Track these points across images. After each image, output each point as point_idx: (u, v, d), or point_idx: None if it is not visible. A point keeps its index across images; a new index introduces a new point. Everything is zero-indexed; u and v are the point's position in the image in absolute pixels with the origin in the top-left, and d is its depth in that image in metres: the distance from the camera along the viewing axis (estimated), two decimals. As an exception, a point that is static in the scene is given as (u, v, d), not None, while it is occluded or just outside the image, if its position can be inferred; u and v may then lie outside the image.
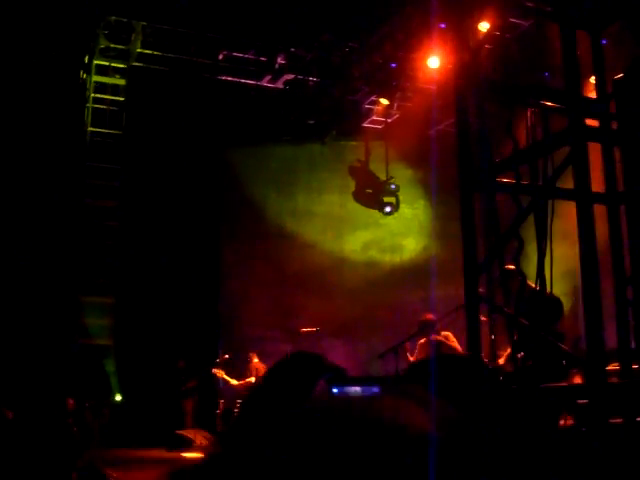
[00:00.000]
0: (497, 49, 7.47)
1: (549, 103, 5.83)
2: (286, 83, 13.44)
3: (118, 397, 12.56)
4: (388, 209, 13.65)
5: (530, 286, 6.70)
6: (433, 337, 9.54)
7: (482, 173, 6.07)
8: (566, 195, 5.81)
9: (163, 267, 13.81)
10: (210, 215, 14.46)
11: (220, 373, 12.50)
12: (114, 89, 13.50)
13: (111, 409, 12.45)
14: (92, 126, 13.36)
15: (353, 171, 13.78)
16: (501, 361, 6.66)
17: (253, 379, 12.49)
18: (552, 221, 5.92)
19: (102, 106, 13.46)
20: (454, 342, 9.55)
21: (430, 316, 9.84)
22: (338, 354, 13.37)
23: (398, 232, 14.76)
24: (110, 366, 12.69)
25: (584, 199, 5.46)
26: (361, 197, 13.82)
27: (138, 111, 13.56)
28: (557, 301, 6.62)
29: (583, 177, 5.42)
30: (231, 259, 14.46)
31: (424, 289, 14.33)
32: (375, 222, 14.46)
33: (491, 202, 6.09)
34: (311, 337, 12.27)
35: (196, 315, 13.92)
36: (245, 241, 14.44)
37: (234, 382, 12.51)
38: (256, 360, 12.66)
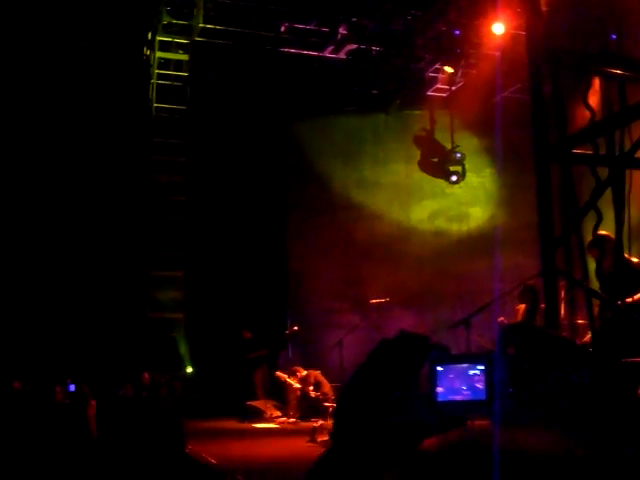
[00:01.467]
0: (568, 12, 7.29)
1: (622, 72, 5.71)
2: (349, 53, 13.38)
3: (189, 369, 12.80)
4: (454, 178, 13.53)
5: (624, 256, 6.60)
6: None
7: (558, 144, 5.99)
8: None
9: (231, 240, 13.97)
10: (277, 187, 14.56)
11: (283, 377, 12.53)
12: (177, 65, 13.63)
13: (183, 381, 12.69)
14: (157, 102, 13.53)
15: (418, 140, 13.65)
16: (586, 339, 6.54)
17: (311, 387, 12.40)
18: (629, 192, 5.84)
19: (166, 82, 13.60)
20: None
21: (533, 282, 9.62)
22: (407, 324, 13.36)
23: (465, 201, 14.64)
24: (181, 339, 12.94)
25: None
26: (427, 166, 13.71)
27: (202, 86, 13.68)
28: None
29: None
30: (298, 231, 14.54)
31: (492, 258, 14.22)
32: (441, 191, 14.36)
33: (567, 174, 6.00)
34: (381, 307, 12.31)
35: (264, 287, 14.06)
36: (312, 213, 14.49)
37: (297, 385, 12.50)
38: (305, 372, 12.59)
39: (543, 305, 9.25)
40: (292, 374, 12.66)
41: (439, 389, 4.08)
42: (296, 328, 13.07)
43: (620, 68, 5.91)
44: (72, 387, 8.88)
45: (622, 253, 6.09)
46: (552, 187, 6.02)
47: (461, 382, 4.03)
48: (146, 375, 11.54)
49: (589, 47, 6.31)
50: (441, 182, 13.84)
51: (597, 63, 6.04)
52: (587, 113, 6.11)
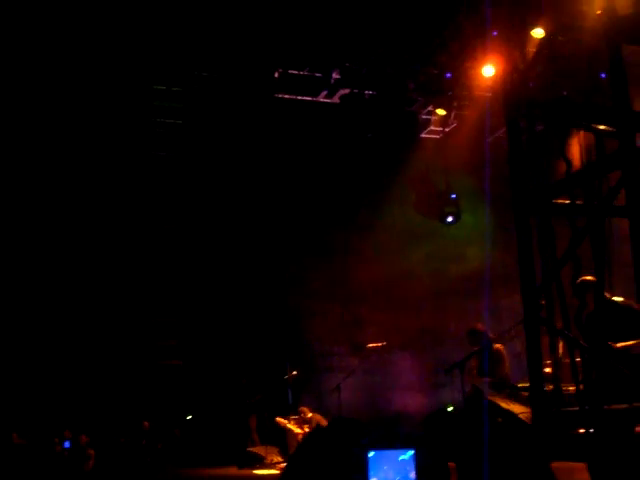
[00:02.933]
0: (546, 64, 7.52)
1: (601, 126, 5.89)
2: (342, 98, 13.61)
3: (188, 416, 12.92)
4: (450, 219, 13.72)
5: (609, 298, 6.78)
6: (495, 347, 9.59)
7: (536, 196, 6.16)
8: (622, 213, 5.85)
9: (230, 285, 14.14)
10: (276, 232, 14.73)
11: (283, 422, 12.64)
12: (174, 112, 13.87)
13: (182, 428, 12.80)
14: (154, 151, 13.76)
15: (413, 182, 13.88)
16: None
17: None
18: (610, 241, 6.00)
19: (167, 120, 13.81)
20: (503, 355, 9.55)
21: (480, 326, 9.90)
22: (406, 366, 13.54)
23: (461, 241, 14.78)
24: (180, 386, 13.08)
25: (637, 218, 5.51)
26: (422, 208, 13.92)
27: (198, 131, 13.92)
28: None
29: (636, 198, 5.47)
30: (297, 275, 14.68)
31: (490, 298, 14.39)
32: (438, 232, 14.53)
33: (547, 225, 6.16)
34: (378, 351, 12.42)
35: (263, 332, 14.21)
36: (310, 257, 14.64)
37: (298, 431, 12.59)
38: (310, 415, 12.72)
39: (497, 345, 9.51)
40: (298, 414, 12.76)
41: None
42: (295, 373, 13.17)
43: (597, 120, 6.08)
44: (67, 444, 9.01)
45: (603, 299, 6.25)
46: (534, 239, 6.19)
47: (394, 472, 4.17)
48: (146, 423, 11.67)
49: (568, 98, 6.50)
50: (437, 223, 14.02)
51: (573, 116, 6.23)
52: (575, 161, 6.31)
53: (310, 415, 12.60)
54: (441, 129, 14.32)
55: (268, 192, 14.52)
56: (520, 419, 6.79)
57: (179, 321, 13.69)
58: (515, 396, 7.87)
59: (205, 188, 14.18)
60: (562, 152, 6.16)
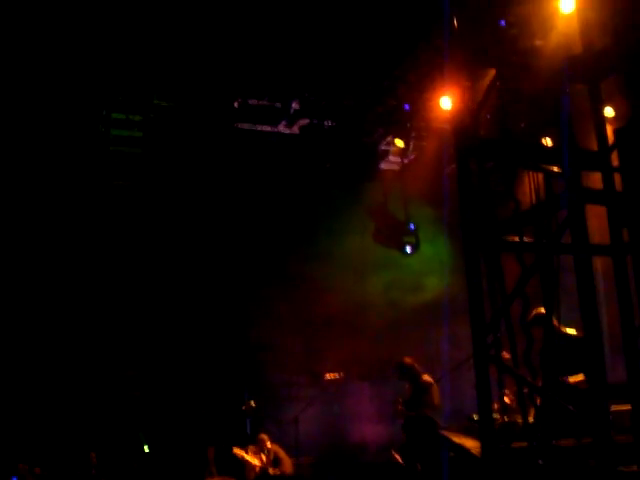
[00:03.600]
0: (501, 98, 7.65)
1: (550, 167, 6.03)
2: (302, 128, 13.72)
3: (146, 449, 12.80)
4: (409, 249, 13.82)
5: (562, 331, 6.93)
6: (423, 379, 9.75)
7: (486, 233, 6.28)
8: (568, 250, 5.98)
9: (186, 316, 14.09)
10: (233, 261, 14.71)
11: (240, 453, 12.59)
12: (132, 141, 13.83)
13: (140, 461, 12.69)
14: (113, 180, 13.71)
15: (372, 212, 13.97)
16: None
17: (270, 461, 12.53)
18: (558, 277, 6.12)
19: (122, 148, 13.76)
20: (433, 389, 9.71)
21: (407, 359, 10.07)
22: (364, 397, 13.55)
23: (420, 271, 14.86)
24: (138, 418, 12.98)
25: (583, 255, 5.64)
26: (381, 238, 14.00)
27: (156, 161, 13.90)
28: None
29: (581, 236, 5.61)
30: (256, 306, 14.67)
31: (449, 327, 14.48)
32: (396, 262, 14.60)
33: (495, 262, 6.28)
34: (336, 382, 12.45)
35: (222, 362, 14.16)
36: (269, 287, 14.65)
37: (255, 462, 12.55)
38: (269, 445, 12.70)
39: (425, 377, 9.67)
40: (257, 443, 12.71)
41: None
42: (252, 403, 13.14)
43: (544, 161, 6.23)
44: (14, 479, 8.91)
45: (554, 333, 6.38)
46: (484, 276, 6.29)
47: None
48: (92, 454, 11.59)
49: (518, 139, 6.64)
50: (396, 253, 14.11)
51: (521, 156, 6.37)
52: (525, 198, 6.44)
53: (269, 445, 12.56)
54: (400, 160, 14.45)
55: (227, 222, 14.52)
56: (471, 454, 6.87)
57: (137, 352, 13.58)
58: (467, 430, 7.98)
59: (164, 217, 14.16)
60: (510, 191, 6.30)
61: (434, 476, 8.26)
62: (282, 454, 12.46)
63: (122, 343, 13.47)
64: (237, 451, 12.65)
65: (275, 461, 12.38)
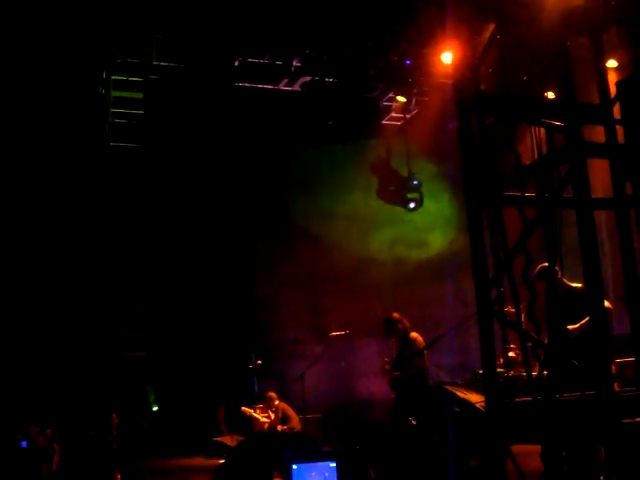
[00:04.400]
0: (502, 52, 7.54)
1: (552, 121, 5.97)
2: (303, 85, 13.61)
3: (155, 407, 12.91)
4: (412, 205, 13.75)
5: (566, 284, 6.93)
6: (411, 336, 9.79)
7: (487, 188, 6.24)
8: (570, 204, 5.94)
9: (193, 274, 14.13)
10: (238, 217, 14.71)
11: (249, 411, 12.71)
12: (133, 103, 13.76)
13: (149, 420, 12.81)
14: (114, 141, 13.67)
15: (375, 169, 13.88)
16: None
17: (278, 419, 12.65)
18: (561, 231, 6.10)
19: (122, 120, 13.74)
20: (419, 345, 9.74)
21: (395, 315, 10.09)
22: (370, 353, 13.63)
23: (423, 227, 14.90)
24: (145, 377, 13.06)
25: (584, 208, 5.61)
26: (384, 195, 13.93)
27: (158, 123, 13.85)
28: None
29: (583, 190, 5.57)
30: (263, 264, 14.73)
31: (454, 283, 14.56)
32: (400, 219, 14.60)
33: (497, 216, 6.24)
34: (342, 339, 12.50)
35: (229, 321, 14.25)
36: (277, 244, 14.71)
37: (264, 419, 12.69)
38: (277, 402, 12.83)
39: (412, 334, 9.70)
40: (265, 401, 12.86)
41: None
42: (260, 362, 13.22)
43: (545, 115, 6.16)
44: (24, 444, 8.97)
45: (557, 288, 6.37)
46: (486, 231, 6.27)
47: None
48: (114, 415, 11.68)
49: (518, 93, 6.54)
50: (399, 209, 14.07)
51: (522, 110, 6.31)
52: (526, 153, 6.38)
53: (277, 402, 12.70)
54: (402, 116, 14.36)
55: (231, 179, 14.51)
56: (476, 408, 6.91)
57: (144, 312, 13.62)
58: (472, 385, 8.01)
59: (168, 176, 14.15)
60: (511, 146, 6.24)
61: (430, 430, 8.32)
62: (290, 411, 12.58)
63: (130, 304, 13.51)
64: (245, 409, 12.78)
65: (283, 418, 12.51)
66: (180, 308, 13.86)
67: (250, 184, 14.72)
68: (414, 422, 8.73)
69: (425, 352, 9.54)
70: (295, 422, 12.46)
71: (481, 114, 6.32)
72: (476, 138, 6.49)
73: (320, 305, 14.60)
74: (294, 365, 13.45)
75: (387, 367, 9.85)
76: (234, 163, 14.49)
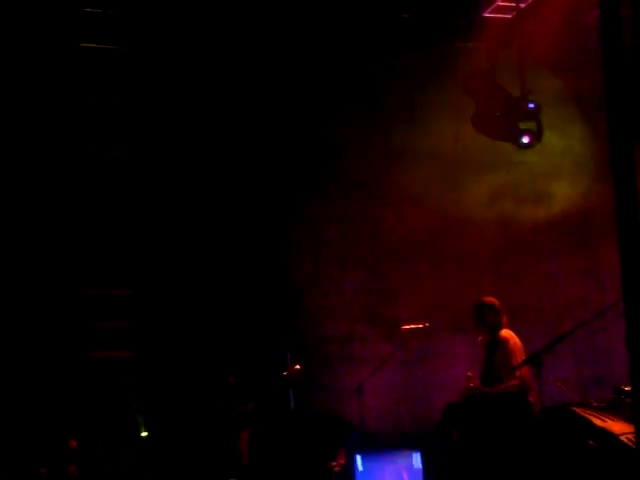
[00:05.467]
0: None
1: None
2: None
3: (144, 433, 13.02)
4: (526, 140, 13.62)
5: None
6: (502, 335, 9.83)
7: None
8: None
9: (202, 239, 14.17)
10: (269, 165, 14.65)
11: None
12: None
13: (134, 449, 12.92)
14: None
15: (472, 86, 13.77)
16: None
17: None
18: None
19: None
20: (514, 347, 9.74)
21: (490, 300, 10.08)
22: (462, 356, 13.55)
23: (543, 173, 14.75)
24: (131, 388, 13.17)
25: None
26: (485, 124, 13.83)
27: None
28: None
29: None
30: (303, 227, 14.64)
31: (588, 256, 14.41)
32: (508, 160, 14.48)
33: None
34: (418, 335, 12.47)
35: (254, 309, 14.23)
36: (323, 200, 14.59)
37: None
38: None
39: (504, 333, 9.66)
40: None
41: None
42: (298, 367, 13.23)
43: None
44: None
45: None
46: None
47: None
48: (73, 442, 11.83)
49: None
50: (507, 146, 13.93)
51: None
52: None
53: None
54: (514, 4, 14.13)
55: (256, 103, 14.48)
56: (621, 442, 6.87)
57: (129, 292, 13.74)
58: (615, 408, 7.96)
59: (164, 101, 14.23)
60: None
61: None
62: None
63: (110, 281, 13.64)
64: None
65: None
66: (182, 288, 13.86)
67: (286, 113, 14.61)
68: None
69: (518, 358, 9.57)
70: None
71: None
72: (627, 38, 6.36)
73: (388, 286, 14.49)
74: (348, 372, 13.49)
75: (472, 385, 9.89)
76: (272, 80, 14.40)
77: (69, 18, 13.24)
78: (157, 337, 13.72)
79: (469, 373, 10.00)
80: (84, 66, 13.57)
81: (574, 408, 7.27)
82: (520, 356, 9.67)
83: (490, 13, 14.39)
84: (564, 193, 14.72)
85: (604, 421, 7.04)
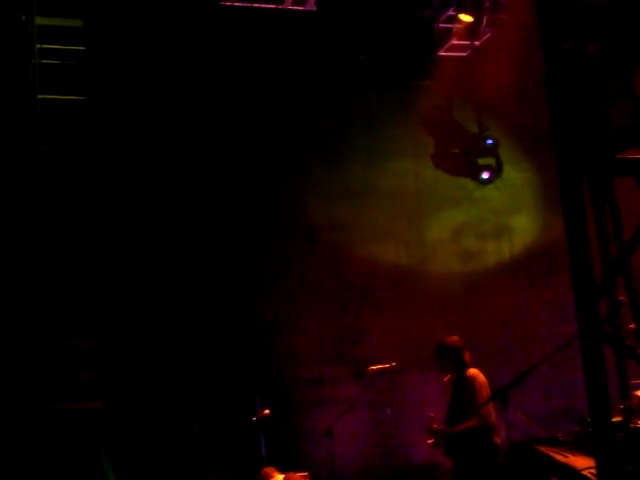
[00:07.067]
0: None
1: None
2: (319, 2, 13.50)
3: (113, 484, 12.90)
4: (486, 175, 13.70)
5: None
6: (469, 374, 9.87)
7: (591, 150, 6.15)
8: None
9: (168, 284, 14.09)
10: (236, 207, 14.58)
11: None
12: (69, 35, 13.73)
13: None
14: (42, 92, 13.62)
15: (430, 124, 13.82)
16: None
17: None
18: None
19: (54, 61, 13.67)
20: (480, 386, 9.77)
21: (452, 340, 10.14)
22: (431, 394, 13.52)
23: (504, 208, 14.78)
24: (100, 441, 13.05)
25: None
26: (445, 161, 13.88)
27: (108, 64, 13.84)
28: None
29: None
30: (269, 268, 14.60)
31: (551, 288, 14.44)
32: (468, 196, 14.52)
33: (607, 192, 6.16)
34: (386, 375, 12.43)
35: (221, 353, 14.16)
36: (282, 240, 14.56)
37: None
38: (281, 477, 12.75)
39: (471, 371, 9.72)
40: None
41: None
42: (267, 412, 13.17)
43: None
44: None
45: None
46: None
47: None
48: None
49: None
50: (467, 182, 13.97)
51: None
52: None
53: (281, 478, 12.66)
54: (468, 42, 14.21)
55: (219, 146, 14.42)
56: (584, 476, 6.85)
57: (94, 343, 13.63)
58: (580, 441, 7.95)
59: (123, 143, 14.15)
60: (628, 86, 6.14)
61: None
62: None
63: (78, 332, 13.53)
64: None
65: None
66: (148, 335, 13.78)
67: (247, 154, 14.57)
68: None
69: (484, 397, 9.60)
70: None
71: (581, 37, 6.24)
72: (573, 74, 6.41)
73: (354, 326, 14.46)
74: (317, 415, 13.40)
75: (435, 426, 9.89)
76: (223, 124, 14.38)
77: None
78: (124, 386, 13.62)
79: (431, 414, 9.97)
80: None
81: (536, 445, 7.25)
82: (485, 395, 9.68)
83: (445, 52, 14.53)
84: (526, 227, 14.79)
85: (566, 457, 7.03)
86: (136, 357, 13.72)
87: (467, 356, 10.07)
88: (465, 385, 9.80)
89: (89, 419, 13.03)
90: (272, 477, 12.62)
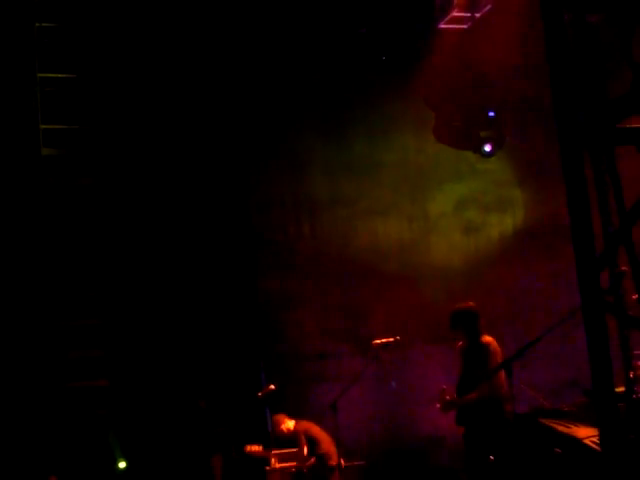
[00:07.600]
0: None
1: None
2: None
3: (122, 464, 12.91)
4: (488, 148, 13.64)
5: None
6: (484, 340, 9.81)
7: (592, 120, 6.12)
8: None
9: (171, 262, 14.08)
10: (238, 182, 14.58)
11: (257, 450, 12.65)
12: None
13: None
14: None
15: (430, 98, 13.77)
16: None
17: (305, 450, 12.61)
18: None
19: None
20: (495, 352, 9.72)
21: (467, 305, 10.07)
22: (434, 368, 13.53)
23: (507, 180, 14.73)
24: (107, 418, 13.07)
25: None
26: (446, 134, 13.84)
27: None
28: None
29: None
30: (272, 244, 14.59)
31: (556, 260, 14.39)
32: (471, 169, 14.48)
33: (609, 162, 6.13)
34: (391, 348, 12.43)
35: (225, 329, 14.16)
36: (288, 216, 14.55)
37: (278, 465, 12.62)
38: (291, 423, 12.84)
39: (486, 338, 9.67)
40: (274, 431, 12.85)
41: None
42: (272, 387, 13.18)
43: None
44: None
45: None
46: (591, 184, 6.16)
47: None
48: (53, 478, 11.72)
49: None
50: (469, 155, 13.93)
51: None
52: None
53: (292, 423, 12.73)
54: (469, 14, 14.15)
55: (216, 124, 14.42)
56: (586, 445, 6.86)
57: (99, 322, 13.64)
58: (584, 411, 7.95)
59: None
60: (628, 55, 6.10)
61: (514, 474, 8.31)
62: (316, 431, 12.63)
63: (84, 312, 13.53)
64: (252, 449, 12.75)
65: (310, 444, 12.56)
66: (153, 314, 13.77)
67: (247, 130, 14.54)
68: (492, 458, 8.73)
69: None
70: (327, 444, 12.48)
71: (580, 8, 6.21)
72: (574, 44, 6.37)
73: (357, 301, 14.46)
74: (322, 390, 13.39)
75: (447, 398, 9.85)
76: (223, 98, 14.34)
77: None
78: (130, 365, 13.63)
79: (444, 386, 9.93)
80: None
81: (539, 418, 7.26)
82: (499, 362, 9.65)
83: (446, 24, 14.45)
84: (529, 199, 14.74)
85: (568, 427, 7.04)
86: (141, 335, 13.74)
87: (482, 322, 10.02)
88: (481, 352, 9.73)
89: (97, 397, 13.09)
90: (283, 423, 12.75)
